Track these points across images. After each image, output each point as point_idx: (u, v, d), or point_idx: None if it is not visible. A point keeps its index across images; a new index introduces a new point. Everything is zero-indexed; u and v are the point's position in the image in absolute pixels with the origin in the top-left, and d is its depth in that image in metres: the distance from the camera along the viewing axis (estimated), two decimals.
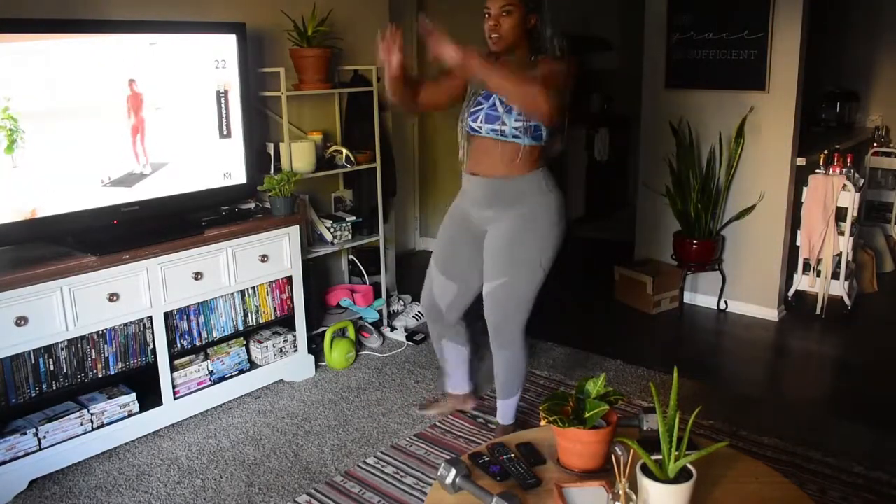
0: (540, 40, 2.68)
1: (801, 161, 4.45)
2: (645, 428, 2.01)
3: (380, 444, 3.13)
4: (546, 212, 2.78)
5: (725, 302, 4.74)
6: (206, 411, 3.39)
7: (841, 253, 4.50)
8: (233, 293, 3.41)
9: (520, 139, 2.65)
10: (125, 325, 3.04)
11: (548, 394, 3.49)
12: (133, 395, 3.11)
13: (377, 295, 4.33)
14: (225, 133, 3.42)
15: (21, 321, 2.71)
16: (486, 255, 2.85)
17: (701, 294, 4.86)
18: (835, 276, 4.55)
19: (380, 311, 4.30)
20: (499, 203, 2.77)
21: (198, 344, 3.33)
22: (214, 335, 3.38)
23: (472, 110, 2.73)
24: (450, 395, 3.36)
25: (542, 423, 1.85)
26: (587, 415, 1.82)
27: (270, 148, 3.79)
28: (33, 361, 2.79)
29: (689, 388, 3.53)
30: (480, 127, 2.70)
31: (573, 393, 1.91)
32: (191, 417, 3.33)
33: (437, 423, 3.28)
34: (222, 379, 3.43)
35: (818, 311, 4.56)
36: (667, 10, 4.65)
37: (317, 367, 3.83)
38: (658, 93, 4.81)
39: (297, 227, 3.62)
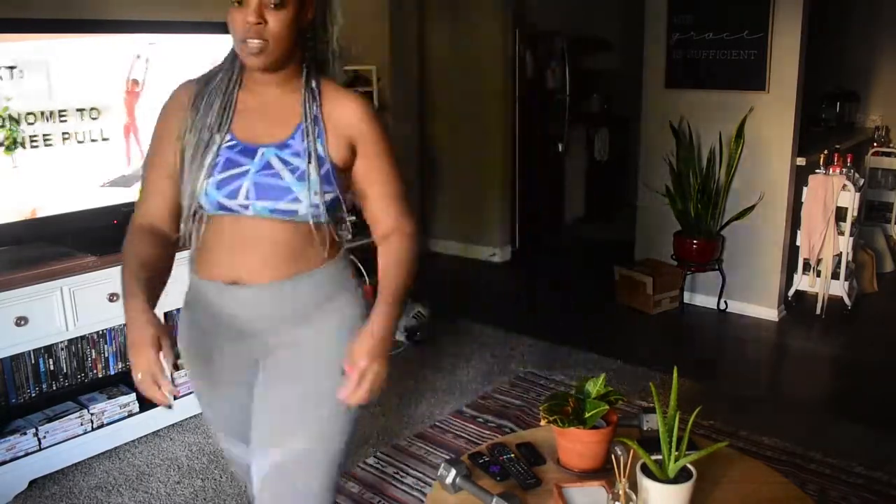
0: (313, 47, 1.63)
1: (801, 161, 4.45)
2: (645, 428, 2.01)
3: (380, 444, 3.13)
4: (358, 315, 1.69)
5: (725, 302, 4.74)
6: None
7: (841, 253, 4.50)
8: None
9: (321, 218, 1.57)
10: (125, 325, 3.03)
11: (547, 393, 3.49)
12: (133, 395, 3.11)
13: (377, 295, 4.32)
14: None
15: (21, 321, 2.70)
16: (268, 407, 1.66)
17: (701, 294, 4.85)
18: (835, 276, 4.55)
19: None
20: (286, 320, 1.63)
21: None
22: None
23: (219, 175, 1.53)
24: None
25: (542, 422, 1.85)
26: (587, 415, 1.82)
27: None
28: (33, 361, 2.79)
29: (690, 388, 3.53)
30: (247, 204, 1.53)
31: (573, 393, 1.91)
32: (191, 417, 3.33)
33: (437, 423, 3.28)
34: None
35: (818, 311, 4.56)
36: (667, 11, 4.65)
37: None
38: (658, 93, 4.81)
39: None
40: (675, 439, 1.63)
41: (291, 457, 1.62)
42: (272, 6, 1.46)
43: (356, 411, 1.67)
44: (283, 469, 1.62)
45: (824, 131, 5.83)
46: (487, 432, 3.21)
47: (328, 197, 1.56)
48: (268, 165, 1.53)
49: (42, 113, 2.79)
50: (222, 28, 3.37)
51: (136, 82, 3.05)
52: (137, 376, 1.45)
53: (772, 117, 4.38)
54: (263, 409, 1.66)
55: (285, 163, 1.53)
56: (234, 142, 1.55)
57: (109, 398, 3.06)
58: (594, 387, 1.89)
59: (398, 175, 1.67)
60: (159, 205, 1.62)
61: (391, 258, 1.67)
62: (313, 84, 1.58)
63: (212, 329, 1.67)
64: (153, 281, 1.56)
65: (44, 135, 2.79)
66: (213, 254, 1.61)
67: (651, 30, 4.79)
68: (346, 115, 1.59)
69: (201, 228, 1.60)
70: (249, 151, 1.54)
